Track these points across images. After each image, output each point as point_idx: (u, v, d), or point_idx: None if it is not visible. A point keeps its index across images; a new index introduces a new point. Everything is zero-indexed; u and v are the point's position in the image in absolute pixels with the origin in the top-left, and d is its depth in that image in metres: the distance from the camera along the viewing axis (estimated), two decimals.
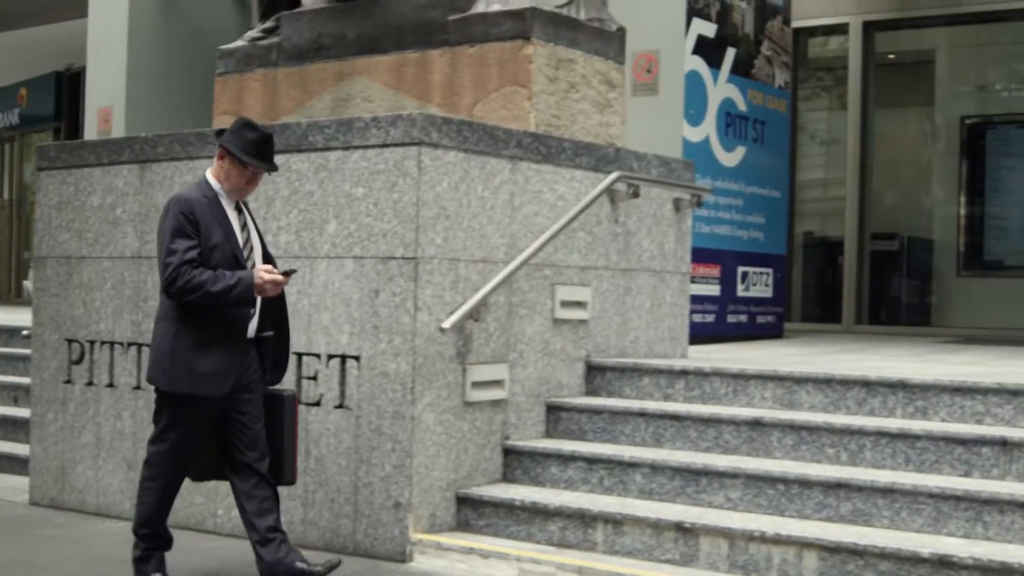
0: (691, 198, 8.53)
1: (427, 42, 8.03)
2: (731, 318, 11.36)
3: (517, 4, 7.80)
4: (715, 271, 11.08)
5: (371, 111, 8.11)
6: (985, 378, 6.81)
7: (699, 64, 10.95)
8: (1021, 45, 15.16)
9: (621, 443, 7.24)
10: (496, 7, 7.84)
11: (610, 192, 7.77)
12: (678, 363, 7.72)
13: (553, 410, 7.51)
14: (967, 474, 6.30)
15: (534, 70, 7.65)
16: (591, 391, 7.80)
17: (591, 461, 6.98)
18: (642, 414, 7.24)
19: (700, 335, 10.59)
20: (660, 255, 8.36)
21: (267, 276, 5.82)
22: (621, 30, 8.42)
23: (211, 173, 6.03)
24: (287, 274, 5.93)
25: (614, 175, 7.68)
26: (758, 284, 11.77)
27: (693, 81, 10.88)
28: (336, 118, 7.20)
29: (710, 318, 11.04)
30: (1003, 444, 6.24)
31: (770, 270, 12.00)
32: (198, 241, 5.77)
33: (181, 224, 5.77)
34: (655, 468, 6.78)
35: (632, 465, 6.85)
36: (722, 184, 11.20)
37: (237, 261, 5.89)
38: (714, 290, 11.09)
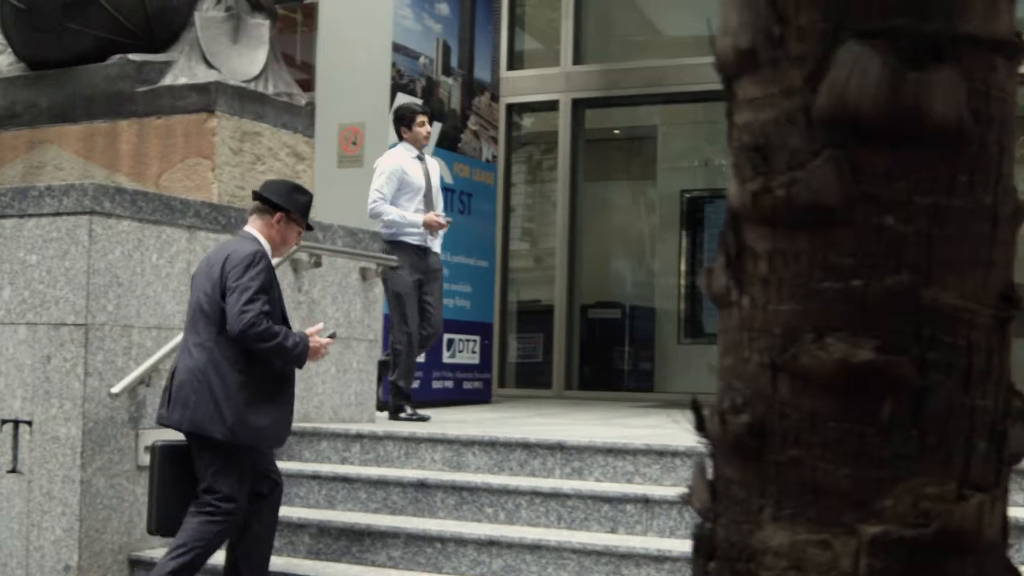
0: (377, 268, 8.81)
1: (117, 113, 8.18)
2: (437, 384, 11.65)
3: (204, 78, 8.02)
4: None
5: (62, 179, 8.20)
6: (636, 440, 7.24)
7: None
8: None
9: (295, 505, 7.43)
10: (183, 81, 8.04)
11: (293, 261, 7.99)
12: (354, 427, 7.97)
13: None
14: (613, 530, 6.67)
15: (217, 142, 7.87)
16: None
17: None
18: (315, 477, 7.46)
19: None
20: (346, 322, 8.61)
21: (323, 340, 6.16)
22: (310, 104, 8.73)
23: (259, 232, 6.12)
24: (331, 337, 6.31)
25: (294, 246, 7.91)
26: (464, 351, 12.09)
27: None
28: (12, 186, 7.29)
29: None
30: (646, 502, 6.65)
31: (477, 337, 12.34)
32: (268, 297, 5.92)
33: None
34: (322, 529, 7.01)
35: (300, 526, 7.07)
36: None
37: (285, 320, 6.10)
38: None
